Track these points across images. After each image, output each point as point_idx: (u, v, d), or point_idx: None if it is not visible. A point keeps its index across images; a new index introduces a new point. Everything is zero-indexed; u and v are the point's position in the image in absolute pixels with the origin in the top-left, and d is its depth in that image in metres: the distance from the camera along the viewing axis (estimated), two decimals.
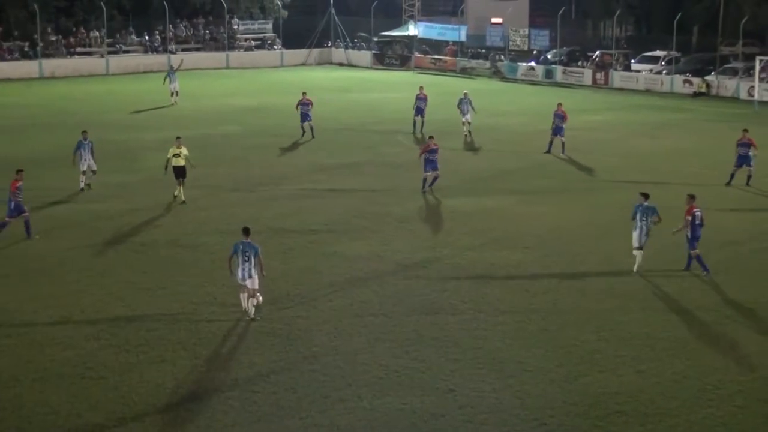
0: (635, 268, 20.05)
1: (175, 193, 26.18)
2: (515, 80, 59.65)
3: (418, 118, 37.65)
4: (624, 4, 68.05)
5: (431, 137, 28.46)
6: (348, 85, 55.91)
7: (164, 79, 46.42)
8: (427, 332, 16.69)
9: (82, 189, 27.23)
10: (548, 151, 33.74)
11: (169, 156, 25.93)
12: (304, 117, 36.44)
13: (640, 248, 20.12)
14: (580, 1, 79.01)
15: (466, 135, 36.49)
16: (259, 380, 14.67)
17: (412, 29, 68.25)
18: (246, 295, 17.22)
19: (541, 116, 41.42)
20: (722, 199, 27.11)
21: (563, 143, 33.60)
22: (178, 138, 26.71)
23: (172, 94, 45.60)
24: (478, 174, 30.57)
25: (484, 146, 35.86)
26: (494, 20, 66.10)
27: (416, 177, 29.94)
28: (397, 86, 54.91)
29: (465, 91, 37.45)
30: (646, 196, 20.30)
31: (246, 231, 17.17)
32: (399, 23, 71.44)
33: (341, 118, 42.11)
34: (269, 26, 71.38)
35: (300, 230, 23.45)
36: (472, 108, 36.80)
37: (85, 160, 27.18)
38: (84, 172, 27.23)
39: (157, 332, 16.58)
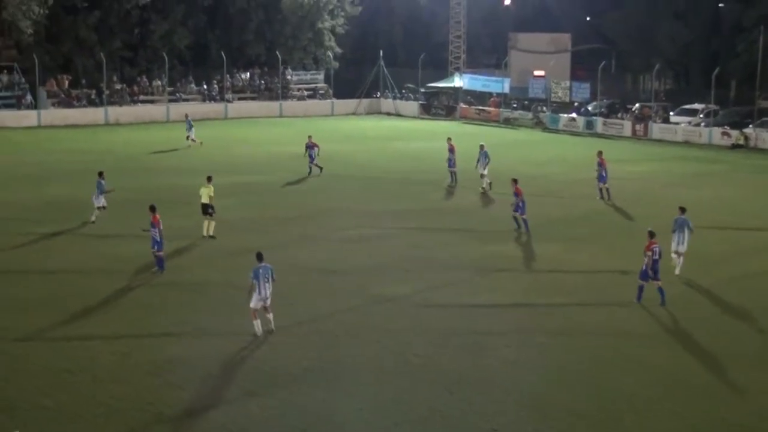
0: (677, 271, 22.89)
1: (205, 233, 26.93)
2: (557, 131, 59.59)
3: (451, 171, 37.41)
4: (663, 58, 67.89)
5: (514, 180, 29.28)
6: (395, 134, 56.28)
7: (187, 132, 47.38)
8: (471, 373, 16.64)
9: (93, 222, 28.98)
10: (601, 198, 34.22)
11: (201, 193, 27.26)
12: (311, 159, 38.34)
13: (677, 253, 23.07)
14: (620, 56, 79.05)
15: (483, 189, 35.46)
16: (307, 416, 14.68)
17: (458, 81, 68.59)
18: (258, 320, 18.46)
19: (581, 166, 41.39)
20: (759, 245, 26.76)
21: (607, 190, 34.11)
22: (209, 177, 27.93)
23: (189, 138, 47.11)
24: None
25: (527, 194, 35.70)
26: (537, 73, 66.26)
27: (460, 222, 30.05)
28: (443, 136, 54.89)
29: (481, 143, 37.12)
30: (683, 210, 23.58)
31: (259, 256, 18.73)
32: (445, 75, 71.89)
33: (388, 165, 42.34)
34: (321, 77, 72.25)
35: (347, 272, 23.55)
36: (486, 162, 35.65)
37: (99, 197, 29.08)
38: (99, 209, 29.14)
39: (213, 372, 16.68)
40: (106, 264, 23.99)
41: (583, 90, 61.75)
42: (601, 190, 34.29)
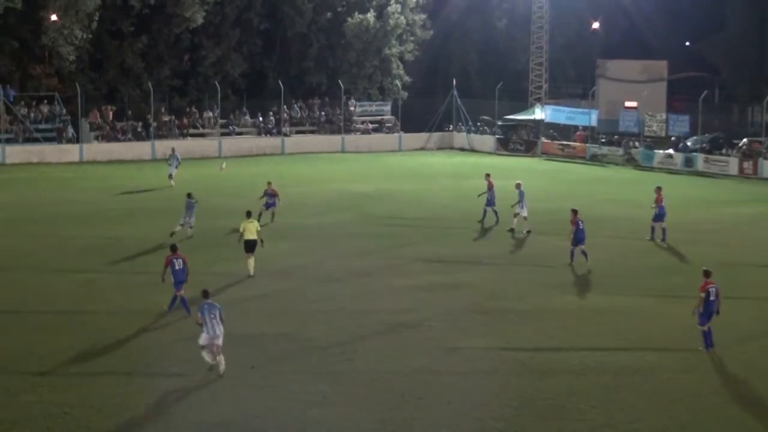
0: None
1: (251, 273, 28.33)
2: (651, 168, 58.99)
3: (489, 209, 37.62)
4: None
5: (575, 210, 31.16)
6: (469, 171, 56.35)
7: (168, 166, 48.31)
8: None
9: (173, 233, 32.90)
10: (652, 239, 34.74)
11: (241, 230, 28.50)
12: (268, 206, 37.13)
13: None
14: (723, 85, 78.33)
15: (527, 232, 35.70)
16: None
17: (539, 113, 68.56)
18: (212, 354, 19.95)
19: (679, 208, 40.93)
20: None
21: (663, 230, 34.67)
22: (248, 212, 29.25)
23: (170, 176, 47.69)
24: (608, 270, 30.27)
25: (618, 239, 35.54)
26: (628, 104, 65.95)
27: (539, 271, 29.98)
28: (523, 173, 55.04)
29: (518, 182, 37.05)
30: None
31: (205, 293, 20.42)
32: (525, 106, 71.95)
33: (461, 206, 42.41)
34: (387, 108, 72.86)
35: (416, 325, 23.67)
36: (524, 201, 36.17)
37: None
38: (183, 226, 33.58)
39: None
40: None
41: (681, 123, 61.16)
42: (653, 229, 34.89)
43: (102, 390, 18.87)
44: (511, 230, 36.07)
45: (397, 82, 72.36)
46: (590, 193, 46.09)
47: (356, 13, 70.93)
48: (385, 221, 38.73)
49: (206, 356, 20.02)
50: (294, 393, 18.84)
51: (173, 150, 50.17)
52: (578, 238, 30.51)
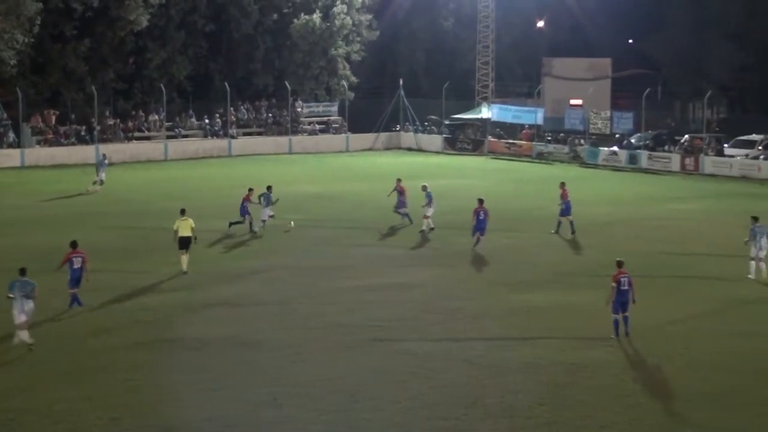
0: (751, 276, 28.12)
1: (184, 269, 28.91)
2: (596, 166, 59.69)
3: (401, 212, 37.64)
4: (715, 84, 68.10)
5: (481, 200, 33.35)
6: (417, 171, 56.46)
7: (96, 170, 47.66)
8: None
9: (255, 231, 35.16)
10: (556, 232, 35.92)
11: (175, 228, 29.08)
12: (243, 211, 36.17)
13: (757, 259, 28.23)
14: (666, 82, 79.40)
15: (430, 229, 35.91)
16: None
17: (486, 112, 68.98)
18: (24, 331, 21.27)
19: (625, 204, 41.46)
20: None
21: (571, 222, 35.86)
22: (182, 210, 29.72)
23: (96, 182, 46.85)
24: (557, 267, 30.63)
25: (564, 237, 35.92)
26: (573, 102, 66.60)
27: (491, 270, 30.23)
28: (470, 172, 55.45)
29: (424, 184, 37.05)
30: (756, 219, 29.01)
31: (22, 271, 21.69)
32: (472, 105, 72.33)
33: (409, 205, 42.55)
34: (335, 109, 72.80)
35: (365, 326, 23.73)
36: (432, 202, 36.27)
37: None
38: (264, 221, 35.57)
39: None
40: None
41: (625, 120, 61.96)
42: (559, 223, 36.09)
43: (47, 396, 18.67)
44: (422, 232, 36.06)
45: (344, 82, 72.33)
46: (538, 191, 46.47)
47: (302, 14, 70.79)
48: (333, 222, 38.75)
49: (21, 335, 21.28)
50: (244, 396, 18.79)
51: (104, 156, 49.95)
52: (479, 228, 32.84)
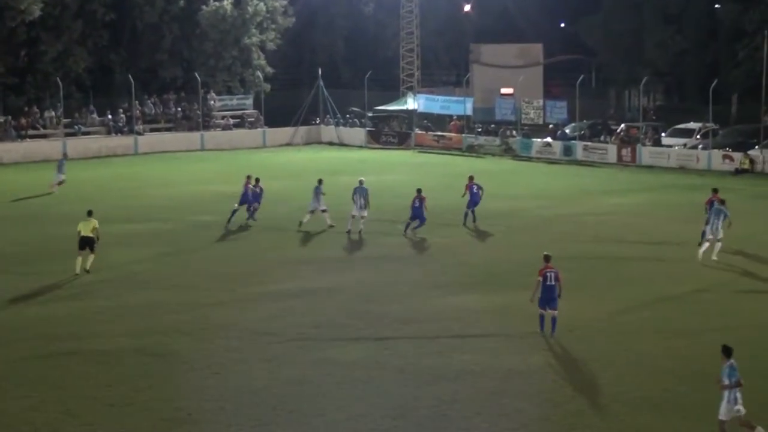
0: (699, 256, 30.32)
1: (77, 270, 29.19)
2: (529, 158, 60.33)
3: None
4: (652, 70, 69.20)
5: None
6: (339, 167, 56.47)
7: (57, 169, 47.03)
8: None
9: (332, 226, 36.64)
10: (465, 224, 37.26)
11: (78, 229, 29.57)
12: (250, 203, 37.99)
13: (707, 241, 30.37)
14: (601, 68, 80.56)
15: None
16: None
17: (412, 102, 69.26)
18: None
19: (561, 199, 41.93)
20: None
21: (473, 212, 37.44)
22: (89, 212, 30.27)
23: (59, 183, 46.43)
24: (490, 267, 30.87)
25: (496, 235, 36.20)
26: (504, 91, 67.09)
27: (420, 271, 30.32)
28: (396, 167, 55.60)
29: (361, 179, 37.29)
30: (715, 190, 33.10)
31: None
32: (396, 96, 72.57)
33: (331, 204, 42.48)
34: (249, 101, 72.38)
35: (286, 334, 23.60)
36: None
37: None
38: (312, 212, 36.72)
39: None
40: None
41: (559, 110, 62.65)
42: (466, 214, 37.31)
43: None
44: (331, 226, 36.86)
45: (259, 73, 71.96)
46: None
47: (211, 0, 70.26)
48: (249, 223, 38.45)
49: None
50: (155, 411, 18.56)
51: (65, 155, 49.82)
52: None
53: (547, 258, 23.96)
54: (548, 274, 23.54)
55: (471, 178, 37.94)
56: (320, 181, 37.60)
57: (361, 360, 21.64)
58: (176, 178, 51.66)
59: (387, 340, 23.18)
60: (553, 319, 23.43)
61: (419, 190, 35.74)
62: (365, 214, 35.89)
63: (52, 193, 45.81)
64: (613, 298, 27.00)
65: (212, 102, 70.35)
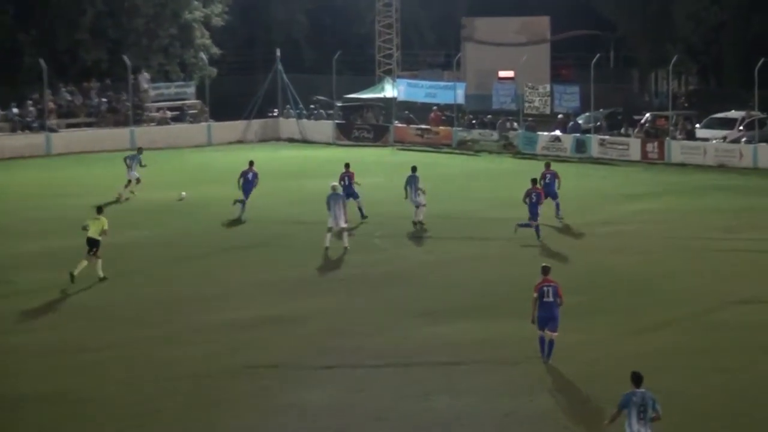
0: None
1: (75, 272, 30.97)
2: (534, 156, 60.31)
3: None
4: (683, 47, 69.53)
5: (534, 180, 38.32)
6: (302, 168, 56.62)
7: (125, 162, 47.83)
8: None
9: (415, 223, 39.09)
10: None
11: (84, 225, 31.99)
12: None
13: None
14: (621, 45, 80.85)
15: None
16: None
17: (390, 89, 69.33)
18: None
19: (571, 203, 42.13)
20: None
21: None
22: (99, 208, 32.80)
23: (129, 182, 47.10)
24: (486, 288, 31.06)
25: (494, 249, 36.37)
26: (503, 74, 67.40)
27: (402, 295, 30.40)
28: (371, 168, 55.63)
29: (333, 184, 38.15)
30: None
31: None
32: (372, 81, 72.65)
33: (293, 214, 42.62)
34: (192, 90, 72.20)
35: (241, 374, 23.67)
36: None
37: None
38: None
39: None
40: None
41: (570, 96, 62.70)
42: (558, 206, 39.57)
43: None
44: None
45: (203, 55, 71.94)
46: (461, 191, 46.96)
47: None
48: (194, 238, 38.49)
49: None
50: None
51: (140, 149, 49.82)
52: (533, 213, 36.96)
53: (545, 270, 24.35)
54: (545, 288, 23.92)
55: (548, 165, 41.72)
56: (414, 169, 40.05)
57: (331, 405, 21.70)
58: (100, 185, 51.38)
59: (362, 381, 23.26)
60: (551, 343, 23.86)
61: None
62: (344, 225, 36.03)
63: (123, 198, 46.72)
64: (633, 325, 27.14)
65: (145, 91, 70.16)
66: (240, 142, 69.29)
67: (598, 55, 62.54)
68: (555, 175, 40.44)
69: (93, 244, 31.84)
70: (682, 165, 55.93)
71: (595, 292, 30.08)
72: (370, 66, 74.47)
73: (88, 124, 68.05)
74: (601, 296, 29.82)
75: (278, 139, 70.34)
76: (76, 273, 31.26)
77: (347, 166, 41.08)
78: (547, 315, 23.80)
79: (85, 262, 31.61)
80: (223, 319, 28.18)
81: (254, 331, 27.12)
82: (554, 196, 39.85)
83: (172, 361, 24.72)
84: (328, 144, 67.55)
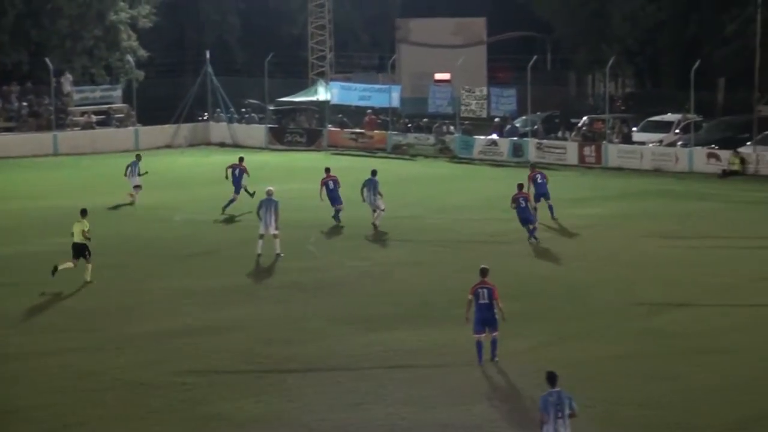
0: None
1: (60, 266, 31.91)
2: (470, 160, 60.67)
3: None
4: (619, 48, 70.02)
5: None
6: None
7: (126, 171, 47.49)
8: None
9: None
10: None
11: (72, 231, 32.71)
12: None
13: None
14: (558, 47, 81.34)
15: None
16: None
17: (323, 92, 69.33)
18: None
19: (509, 211, 42.25)
20: None
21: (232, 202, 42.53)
22: (83, 211, 32.79)
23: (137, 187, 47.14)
24: (423, 296, 31.12)
25: (431, 255, 36.45)
26: (439, 77, 67.54)
27: (336, 303, 30.41)
28: (303, 173, 55.50)
29: (269, 188, 37.96)
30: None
31: None
32: (305, 85, 72.62)
33: (222, 221, 42.47)
34: (118, 93, 71.72)
35: (167, 384, 23.55)
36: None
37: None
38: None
39: None
40: None
41: (506, 100, 62.96)
42: (551, 207, 40.85)
43: None
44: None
45: (130, 57, 71.50)
46: (395, 196, 47.01)
47: None
48: (120, 247, 38.19)
49: None
50: None
51: (138, 157, 49.08)
52: (523, 218, 37.51)
53: (483, 272, 24.67)
54: (480, 290, 24.25)
55: (533, 167, 43.48)
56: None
57: (261, 417, 21.67)
58: (19, 192, 51.04)
59: (293, 391, 23.19)
60: (494, 342, 24.22)
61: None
62: (276, 231, 35.94)
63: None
64: (571, 333, 27.32)
65: (68, 94, 69.62)
66: (168, 146, 68.94)
67: (535, 57, 62.78)
68: (545, 176, 41.82)
69: (78, 249, 32.37)
70: (619, 169, 56.33)
71: (531, 299, 30.22)
72: (303, 68, 74.47)
73: (7, 129, 67.38)
74: (536, 303, 29.97)
75: (208, 144, 70.10)
76: (60, 267, 32.14)
77: (327, 170, 41.88)
78: (484, 316, 24.11)
79: (70, 264, 32.26)
80: (149, 328, 28.06)
81: (183, 340, 27.02)
82: (547, 197, 41.11)
83: (97, 371, 24.57)
84: (260, 149, 67.31)
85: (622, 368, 24.41)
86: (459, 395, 22.82)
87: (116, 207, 45.59)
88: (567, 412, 17.89)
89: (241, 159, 44.06)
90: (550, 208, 41.04)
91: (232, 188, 44.01)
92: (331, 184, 41.08)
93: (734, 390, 22.99)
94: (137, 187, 46.84)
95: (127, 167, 47.38)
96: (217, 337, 27.22)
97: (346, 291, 32.05)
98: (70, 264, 32.35)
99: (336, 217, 40.94)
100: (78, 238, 32.47)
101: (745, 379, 23.72)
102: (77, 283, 32.97)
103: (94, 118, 69.66)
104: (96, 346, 26.63)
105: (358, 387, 23.50)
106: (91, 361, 25.46)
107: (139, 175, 46.64)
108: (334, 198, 40.89)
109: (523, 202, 37.60)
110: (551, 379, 18.18)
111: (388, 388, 23.41)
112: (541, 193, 40.96)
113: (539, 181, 41.12)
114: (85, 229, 32.48)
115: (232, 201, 43.49)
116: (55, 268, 32.11)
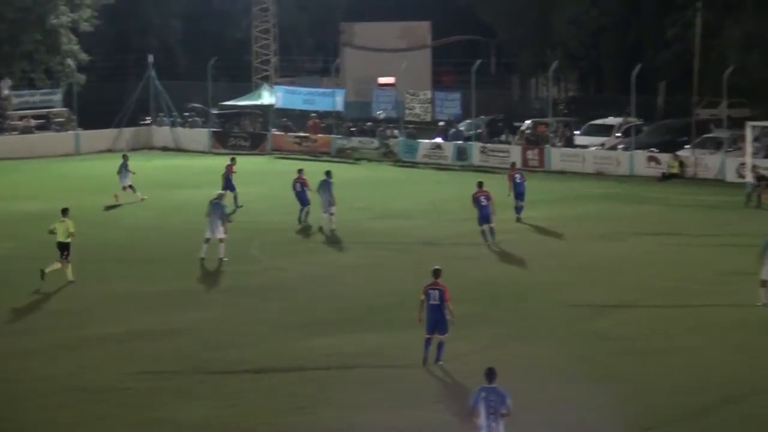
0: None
1: (47, 269, 32.02)
2: (414, 164, 60.77)
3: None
4: (562, 53, 70.48)
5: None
6: (176, 178, 56.23)
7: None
8: None
9: None
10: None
11: (52, 228, 33.01)
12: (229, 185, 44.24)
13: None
14: (501, 51, 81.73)
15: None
16: None
17: (267, 96, 69.20)
18: None
19: (451, 214, 42.52)
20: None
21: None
22: (64, 210, 33.18)
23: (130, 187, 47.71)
24: (368, 300, 31.19)
25: (376, 260, 36.49)
26: (383, 80, 67.58)
27: (281, 307, 30.40)
28: (247, 177, 55.37)
29: (220, 192, 39.00)
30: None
31: None
32: (249, 89, 72.41)
33: (166, 226, 42.35)
34: (58, 97, 71.20)
35: (109, 389, 23.47)
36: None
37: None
38: None
39: None
40: None
41: (451, 103, 63.19)
42: (519, 209, 41.76)
43: None
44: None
45: (71, 61, 71.02)
46: (340, 200, 46.91)
47: None
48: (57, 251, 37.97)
49: None
50: None
51: (125, 157, 49.81)
52: (483, 215, 37.74)
53: (436, 273, 24.79)
54: (431, 292, 24.37)
55: (513, 165, 45.18)
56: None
57: (205, 421, 21.61)
58: None
59: (236, 395, 23.16)
60: (440, 345, 24.34)
61: (300, 171, 42.05)
62: (223, 236, 35.81)
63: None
64: (517, 335, 27.48)
65: (7, 98, 69.09)
66: (110, 150, 68.35)
67: (479, 61, 63.14)
68: (524, 176, 43.15)
69: (63, 248, 32.74)
70: (562, 172, 56.69)
71: (476, 301, 30.27)
72: (247, 72, 74.26)
73: None
74: (481, 305, 30.03)
75: (151, 148, 69.76)
76: (47, 271, 32.27)
77: (300, 171, 42.71)
78: (435, 318, 24.27)
79: (58, 265, 32.56)
80: (92, 333, 27.90)
81: (126, 345, 26.89)
82: (522, 198, 42.19)
83: (38, 376, 24.40)
84: (204, 153, 67.16)
85: (567, 370, 24.57)
86: (405, 398, 22.87)
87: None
88: (501, 410, 17.94)
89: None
90: (520, 208, 41.80)
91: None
92: (298, 186, 41.60)
93: (679, 392, 23.18)
94: (128, 187, 47.42)
95: (120, 167, 48.22)
96: (160, 342, 27.13)
97: (291, 295, 32.02)
98: (57, 265, 32.64)
99: (300, 217, 41.31)
100: (63, 237, 32.76)
101: (689, 381, 23.92)
102: (19, 287, 32.80)
103: (33, 122, 69.16)
104: (38, 351, 26.44)
105: (302, 390, 23.50)
106: (31, 365, 25.27)
107: (133, 172, 48.04)
108: (302, 199, 41.42)
109: (484, 200, 37.80)
110: (490, 375, 18.29)
111: (332, 392, 23.45)
112: (518, 192, 41.85)
113: (518, 180, 42.08)
114: (71, 229, 32.81)
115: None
116: (43, 273, 32.13)
